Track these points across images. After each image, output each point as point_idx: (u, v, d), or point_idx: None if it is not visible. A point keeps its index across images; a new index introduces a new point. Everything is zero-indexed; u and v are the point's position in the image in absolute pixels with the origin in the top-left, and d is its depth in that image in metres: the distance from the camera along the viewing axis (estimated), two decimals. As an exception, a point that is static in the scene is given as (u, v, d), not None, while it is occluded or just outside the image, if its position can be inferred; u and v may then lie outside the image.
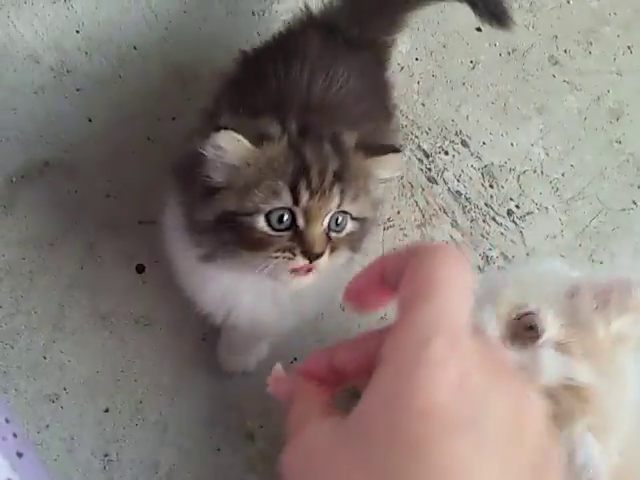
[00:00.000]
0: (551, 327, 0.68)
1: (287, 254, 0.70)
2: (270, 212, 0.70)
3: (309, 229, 0.70)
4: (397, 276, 0.33)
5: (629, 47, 1.42)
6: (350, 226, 0.75)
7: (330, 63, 0.94)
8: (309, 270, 0.71)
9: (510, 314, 0.71)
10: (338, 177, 0.72)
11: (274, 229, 0.70)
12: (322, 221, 0.71)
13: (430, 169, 1.24)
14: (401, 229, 1.20)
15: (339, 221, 0.73)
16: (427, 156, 1.26)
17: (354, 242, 0.77)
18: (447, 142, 1.27)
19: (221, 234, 0.72)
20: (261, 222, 0.70)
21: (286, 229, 0.71)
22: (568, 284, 0.74)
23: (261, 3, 1.26)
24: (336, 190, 0.71)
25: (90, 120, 1.14)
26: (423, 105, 1.29)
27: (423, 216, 1.21)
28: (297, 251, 0.70)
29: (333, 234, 0.73)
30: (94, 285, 1.08)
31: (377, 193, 0.80)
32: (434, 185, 1.24)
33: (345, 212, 0.73)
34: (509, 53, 1.35)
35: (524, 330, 0.70)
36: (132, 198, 1.11)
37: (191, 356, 1.08)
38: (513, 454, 0.29)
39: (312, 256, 0.70)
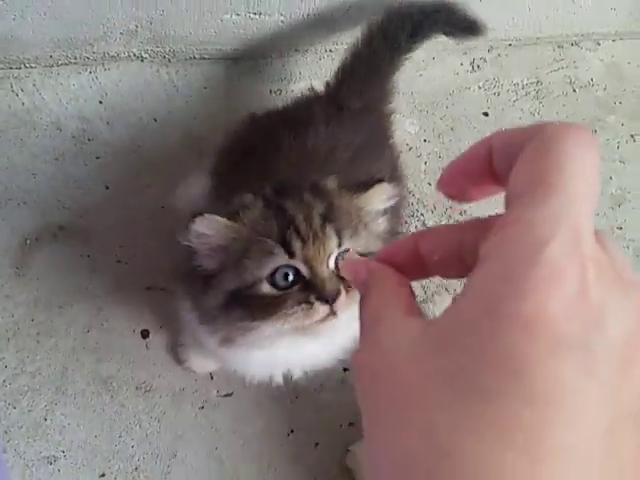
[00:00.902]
0: None
1: (304, 306, 0.68)
2: (272, 275, 0.69)
3: (315, 274, 0.69)
4: (509, 160, 0.28)
5: (632, 136, 1.45)
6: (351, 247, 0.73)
7: (334, 130, 0.98)
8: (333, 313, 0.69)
9: None
10: (327, 218, 0.71)
11: (281, 289, 0.70)
12: (326, 263, 0.69)
13: (434, 247, 1.27)
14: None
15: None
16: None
17: None
18: (452, 221, 1.29)
19: (232, 314, 0.72)
20: (266, 287, 0.70)
21: (293, 284, 0.70)
22: None
23: (278, 83, 1.31)
24: (330, 231, 0.70)
25: (107, 187, 1.17)
26: (429, 184, 1.32)
27: (425, 293, 1.23)
28: (312, 298, 0.68)
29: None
30: (99, 349, 1.09)
31: (379, 226, 0.79)
32: (437, 263, 1.26)
33: (348, 250, 0.71)
34: (515, 138, 1.38)
35: None
36: (142, 264, 1.13)
37: (189, 425, 1.08)
38: (620, 387, 0.24)
39: (329, 298, 0.68)
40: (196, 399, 1.09)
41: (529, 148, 0.27)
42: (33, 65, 1.22)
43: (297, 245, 0.69)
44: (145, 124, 1.22)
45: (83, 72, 1.24)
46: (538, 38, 1.48)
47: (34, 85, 1.22)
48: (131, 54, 1.25)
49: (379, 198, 0.77)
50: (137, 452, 1.06)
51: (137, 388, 1.08)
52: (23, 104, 1.20)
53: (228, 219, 0.71)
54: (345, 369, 1.14)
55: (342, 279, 0.69)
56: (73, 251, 1.13)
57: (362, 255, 0.69)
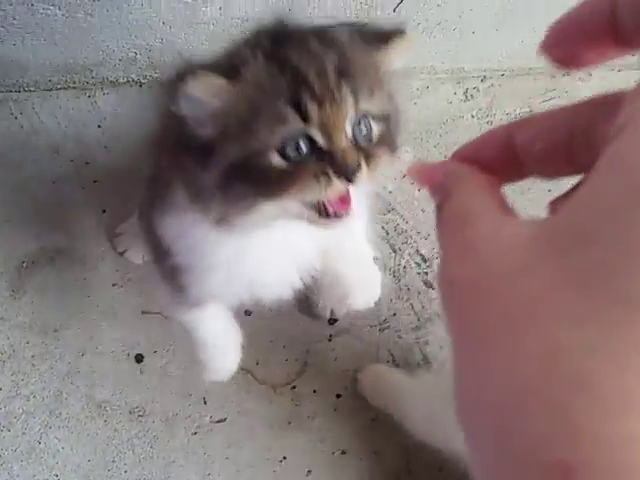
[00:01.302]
0: None
1: (320, 178, 0.58)
2: (283, 144, 0.58)
3: (333, 143, 0.58)
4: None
5: None
6: (376, 129, 0.62)
7: None
8: (346, 204, 0.61)
9: None
10: (342, 73, 0.59)
11: (293, 161, 0.58)
12: (344, 130, 0.59)
13: (427, 273, 1.27)
14: (396, 331, 1.22)
15: (363, 127, 0.60)
16: (425, 261, 1.29)
17: (390, 143, 0.65)
18: (444, 248, 1.30)
19: (233, 188, 0.61)
20: (275, 158, 0.58)
21: (307, 157, 0.59)
22: None
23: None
24: (345, 89, 0.58)
25: (104, 211, 1.17)
26: (423, 211, 1.33)
27: (418, 319, 1.24)
28: (330, 171, 0.58)
29: (363, 144, 0.60)
30: (93, 373, 1.09)
31: (391, 85, 0.67)
32: (430, 290, 1.26)
33: (365, 114, 0.61)
34: (507, 166, 1.40)
35: None
36: (137, 288, 1.14)
37: (181, 451, 1.08)
38: None
39: (349, 173, 0.58)
40: (189, 424, 1.10)
41: None
42: (32, 89, 1.23)
43: (312, 108, 0.57)
44: (143, 148, 1.23)
45: (82, 96, 1.25)
46: (531, 68, 1.50)
47: (33, 108, 1.22)
48: (130, 80, 1.26)
49: (400, 54, 0.65)
50: (130, 477, 1.05)
51: (130, 412, 1.08)
52: (22, 127, 1.21)
53: (228, 78, 0.58)
54: (338, 395, 1.15)
55: (361, 149, 0.59)
56: (69, 274, 1.14)
57: (379, 119, 0.62)
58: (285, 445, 1.11)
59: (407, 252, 1.29)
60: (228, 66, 0.59)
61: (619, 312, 0.18)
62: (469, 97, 1.47)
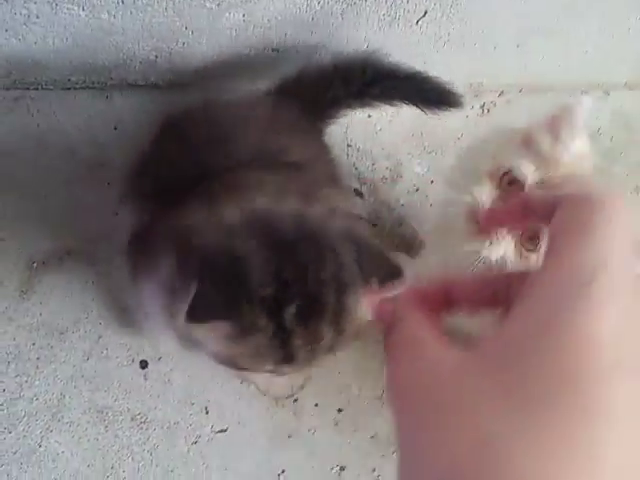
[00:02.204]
0: (529, 175, 0.71)
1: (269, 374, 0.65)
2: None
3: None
4: (546, 209, 0.31)
5: (637, 187, 1.42)
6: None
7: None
8: None
9: (494, 178, 0.75)
10: (330, 350, 0.61)
11: None
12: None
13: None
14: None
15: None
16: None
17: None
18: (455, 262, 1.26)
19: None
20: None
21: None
22: (519, 135, 0.79)
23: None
24: (318, 361, 0.62)
25: (117, 214, 1.13)
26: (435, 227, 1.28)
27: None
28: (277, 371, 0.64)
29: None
30: (97, 378, 1.06)
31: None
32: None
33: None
34: (521, 184, 1.35)
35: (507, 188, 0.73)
36: (145, 294, 1.10)
37: (180, 460, 1.05)
38: None
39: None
40: (190, 434, 1.06)
41: (566, 202, 0.29)
42: (51, 87, 1.18)
43: (285, 369, 0.62)
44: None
45: (99, 97, 1.20)
46: (549, 85, 1.45)
47: (51, 107, 1.18)
48: (148, 82, 1.21)
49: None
50: (128, 484, 1.03)
51: (132, 419, 1.05)
52: (38, 125, 1.17)
53: (234, 330, 0.57)
54: (339, 410, 1.11)
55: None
56: (78, 277, 1.10)
57: None
58: (284, 458, 1.08)
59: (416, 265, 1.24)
60: (242, 324, 0.57)
61: (536, 409, 0.24)
62: (486, 111, 1.41)
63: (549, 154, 0.72)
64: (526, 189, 0.71)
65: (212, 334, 0.59)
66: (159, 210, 0.77)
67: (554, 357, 0.25)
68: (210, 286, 0.56)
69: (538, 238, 0.68)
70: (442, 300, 0.35)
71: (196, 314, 0.55)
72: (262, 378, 0.79)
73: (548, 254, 0.29)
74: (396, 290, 0.53)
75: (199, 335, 0.61)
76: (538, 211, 0.33)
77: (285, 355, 0.59)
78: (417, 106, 1.08)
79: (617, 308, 0.25)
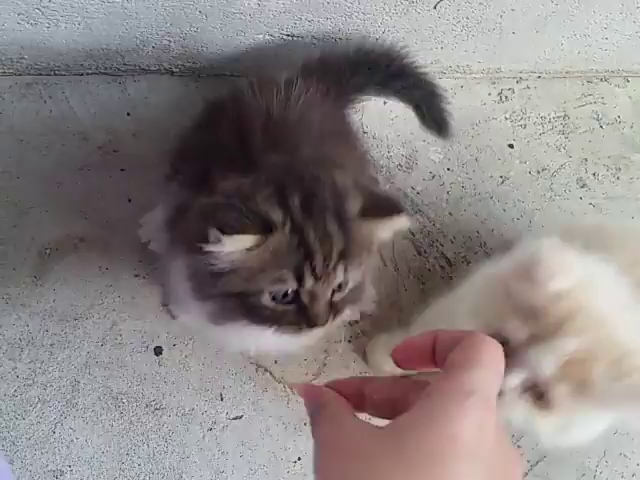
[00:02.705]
0: (518, 333, 0.68)
1: (294, 327, 0.70)
2: (276, 292, 0.68)
3: (313, 307, 0.69)
4: (447, 351, 0.39)
5: (657, 174, 1.40)
6: (351, 284, 0.72)
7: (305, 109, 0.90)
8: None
9: None
10: (343, 256, 0.68)
11: (278, 302, 0.69)
12: (326, 298, 0.69)
13: (451, 277, 1.21)
14: (417, 336, 1.16)
15: (341, 290, 0.71)
16: (450, 264, 1.23)
17: (356, 295, 0.75)
18: (471, 253, 1.24)
19: (226, 304, 0.71)
20: (266, 299, 0.69)
21: (290, 302, 0.69)
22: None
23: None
24: (340, 269, 0.68)
25: (129, 200, 1.13)
26: (450, 214, 1.26)
27: (440, 324, 1.18)
28: (303, 326, 0.70)
29: (336, 295, 0.71)
30: (111, 364, 1.05)
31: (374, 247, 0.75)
32: (453, 294, 1.21)
33: (347, 280, 0.71)
34: (538, 172, 1.33)
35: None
36: (159, 280, 1.09)
37: (196, 447, 1.04)
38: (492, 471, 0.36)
39: (318, 327, 0.70)
40: (205, 420, 1.05)
41: (464, 343, 0.39)
42: (63, 73, 1.18)
43: (309, 281, 0.67)
44: (171, 138, 1.18)
45: (113, 83, 1.19)
46: (568, 72, 1.42)
47: (63, 93, 1.17)
48: (162, 68, 1.20)
49: (393, 229, 0.73)
50: (143, 471, 1.01)
51: (147, 406, 1.04)
52: (51, 111, 1.16)
53: (255, 234, 0.65)
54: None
55: (332, 306, 0.71)
56: (92, 263, 1.09)
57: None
58: (300, 446, 1.07)
59: (432, 255, 1.23)
60: (260, 224, 0.65)
61: (411, 469, 0.34)
62: (503, 98, 1.39)
63: (531, 302, 0.68)
64: (518, 348, 0.68)
65: (237, 246, 0.65)
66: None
67: (429, 439, 0.35)
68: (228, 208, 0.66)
69: (543, 396, 0.68)
70: (356, 396, 0.42)
71: (227, 224, 0.64)
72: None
73: (445, 372, 0.38)
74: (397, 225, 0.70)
75: (225, 252, 0.65)
76: (442, 353, 0.40)
77: (303, 255, 0.66)
78: (416, 114, 1.14)
79: (477, 418, 0.35)
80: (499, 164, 1.32)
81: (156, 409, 1.04)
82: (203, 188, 0.73)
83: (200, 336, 1.07)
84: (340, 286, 0.70)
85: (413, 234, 1.23)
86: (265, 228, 0.66)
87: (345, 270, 0.69)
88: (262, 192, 0.68)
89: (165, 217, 0.86)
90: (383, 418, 0.42)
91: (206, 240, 0.64)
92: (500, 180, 1.31)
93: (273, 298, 0.69)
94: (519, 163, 1.33)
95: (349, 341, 1.14)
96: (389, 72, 1.09)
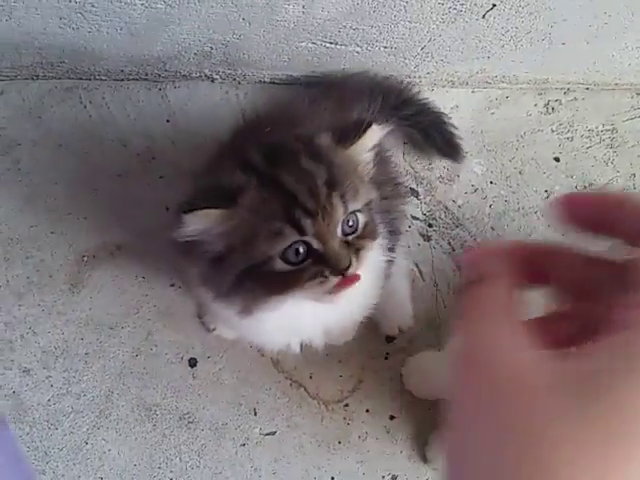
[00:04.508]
0: None
1: (319, 279, 0.66)
2: (284, 251, 0.65)
3: (327, 248, 0.66)
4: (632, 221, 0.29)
5: None
6: (362, 219, 0.70)
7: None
8: (349, 281, 0.67)
9: None
10: (331, 185, 0.65)
11: (294, 263, 0.66)
12: (336, 234, 0.66)
13: (492, 294, 1.18)
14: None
15: (351, 223, 0.68)
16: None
17: (372, 230, 0.72)
18: (512, 269, 1.21)
19: (247, 288, 0.69)
20: (279, 264, 0.66)
21: (306, 258, 0.66)
22: None
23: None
24: (336, 199, 0.65)
25: (167, 208, 1.11)
26: (493, 229, 1.23)
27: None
28: (327, 273, 0.66)
29: (351, 237, 0.68)
30: (145, 375, 1.04)
31: (370, 173, 0.75)
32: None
33: (353, 212, 0.68)
34: (585, 187, 1.29)
35: None
36: (195, 291, 1.08)
37: (228, 462, 1.02)
38: None
39: (342, 270, 0.66)
40: (238, 435, 1.03)
41: None
42: (104, 78, 1.17)
43: (307, 222, 0.64)
44: (211, 146, 1.16)
45: (153, 89, 1.18)
46: (617, 84, 1.38)
47: (103, 98, 1.16)
48: (202, 74, 1.18)
49: (371, 141, 0.72)
50: (175, 485, 1.00)
51: (180, 419, 1.03)
52: (90, 116, 1.15)
53: (224, 208, 0.64)
54: (392, 417, 1.08)
55: (350, 244, 0.68)
56: (128, 272, 1.08)
57: (363, 210, 0.70)
58: (334, 465, 1.04)
59: (473, 271, 1.19)
60: (223, 196, 0.65)
61: (611, 442, 0.23)
62: (550, 110, 1.35)
63: None
64: None
65: (206, 221, 0.64)
66: None
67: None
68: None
69: None
70: (530, 268, 0.31)
71: (185, 205, 0.64)
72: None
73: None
74: None
75: (196, 229, 0.65)
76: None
77: (287, 200, 0.64)
78: (426, 141, 1.19)
79: None
80: (544, 178, 1.28)
81: (189, 422, 1.03)
82: None
83: (237, 347, 1.06)
84: (349, 223, 0.68)
85: (453, 249, 1.20)
86: (226, 194, 0.65)
87: (342, 200, 0.66)
88: (224, 166, 0.69)
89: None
90: (559, 304, 0.32)
91: (180, 227, 0.65)
92: (545, 195, 1.27)
93: (286, 261, 0.66)
94: (565, 177, 1.29)
95: (386, 358, 1.11)
96: (399, 99, 1.14)
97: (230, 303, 0.72)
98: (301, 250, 0.65)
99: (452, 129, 1.18)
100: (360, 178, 0.71)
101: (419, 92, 1.18)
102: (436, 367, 1.05)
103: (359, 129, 0.70)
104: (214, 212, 0.64)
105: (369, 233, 0.71)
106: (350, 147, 0.70)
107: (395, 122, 1.14)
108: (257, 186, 0.65)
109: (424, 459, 1.06)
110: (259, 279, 0.67)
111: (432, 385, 1.04)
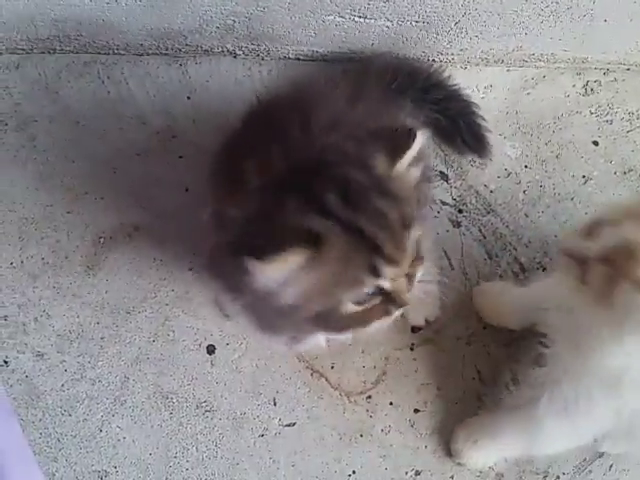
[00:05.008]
0: None
1: (384, 317, 0.66)
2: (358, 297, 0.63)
3: (397, 288, 0.64)
4: None
5: None
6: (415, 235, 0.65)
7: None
8: None
9: None
10: (404, 224, 0.62)
11: (363, 303, 0.64)
12: (404, 272, 0.64)
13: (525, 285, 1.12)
14: (485, 346, 1.08)
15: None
16: (523, 270, 1.13)
17: (421, 253, 0.68)
18: (547, 259, 1.15)
19: (303, 328, 0.68)
20: (349, 307, 0.63)
21: (374, 298, 0.64)
22: None
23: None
24: (406, 237, 0.62)
25: (187, 190, 1.07)
26: (526, 216, 1.17)
27: (512, 334, 1.09)
28: (392, 310, 0.65)
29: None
30: (162, 361, 1.00)
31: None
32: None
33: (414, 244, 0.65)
34: (625, 172, 1.22)
35: None
36: (214, 275, 1.03)
37: (246, 453, 0.98)
38: None
39: (406, 304, 0.65)
40: (257, 426, 1.00)
41: None
42: (122, 52, 1.12)
43: (384, 269, 0.61)
44: (232, 125, 1.11)
45: (173, 64, 1.13)
46: (661, 65, 1.30)
47: (122, 73, 1.12)
48: (225, 49, 1.13)
49: (415, 153, 0.66)
50: (191, 475, 0.97)
51: (197, 407, 0.99)
52: (109, 92, 1.11)
53: (311, 250, 0.58)
54: (416, 410, 1.03)
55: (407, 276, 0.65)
56: (146, 254, 1.04)
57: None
58: (355, 458, 1.00)
59: (505, 260, 1.13)
60: (308, 235, 0.58)
61: None
62: (589, 91, 1.28)
63: None
64: None
65: (288, 267, 0.58)
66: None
67: None
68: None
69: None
70: None
71: (260, 249, 0.57)
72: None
73: None
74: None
75: (274, 278, 0.59)
76: None
77: (370, 247, 0.60)
78: (452, 129, 1.12)
79: None
80: (582, 162, 1.22)
81: (207, 411, 0.99)
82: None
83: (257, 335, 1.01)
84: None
85: (484, 236, 1.14)
86: (308, 240, 0.58)
87: (412, 235, 0.63)
88: (287, 204, 0.61)
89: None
90: None
91: (246, 272, 0.58)
92: (582, 180, 1.20)
93: (357, 303, 0.63)
94: (604, 162, 1.22)
95: (411, 349, 1.06)
96: (428, 82, 1.07)
97: (278, 337, 0.72)
98: (372, 292, 0.63)
99: (481, 121, 1.11)
100: (415, 197, 0.68)
101: (450, 76, 1.11)
102: (511, 299, 1.04)
103: (407, 141, 0.65)
104: (297, 259, 0.58)
105: (419, 257, 0.67)
106: (399, 162, 0.65)
107: (422, 105, 1.07)
108: (340, 233, 0.59)
109: (449, 454, 1.02)
110: (322, 322, 0.65)
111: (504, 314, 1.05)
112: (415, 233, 0.64)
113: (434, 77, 1.09)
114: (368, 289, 0.62)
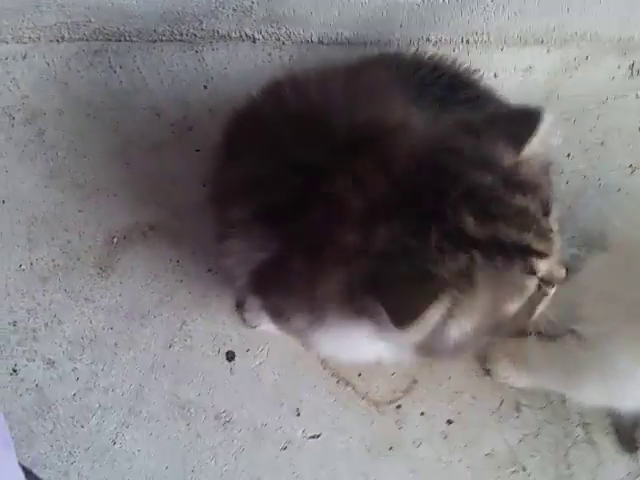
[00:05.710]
0: None
1: (543, 299, 0.61)
2: None
3: (550, 270, 0.59)
4: None
5: None
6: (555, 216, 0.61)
7: None
8: None
9: None
10: (544, 210, 0.58)
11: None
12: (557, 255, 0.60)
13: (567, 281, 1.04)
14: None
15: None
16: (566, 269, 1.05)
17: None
18: (591, 254, 1.06)
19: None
20: (513, 309, 0.58)
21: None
22: None
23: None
24: (549, 221, 0.58)
25: (204, 185, 1.00)
26: (569, 208, 1.08)
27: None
28: (549, 290, 0.61)
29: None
30: (179, 369, 0.95)
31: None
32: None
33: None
34: (674, 162, 1.13)
35: None
36: (234, 277, 0.97)
37: (269, 467, 0.93)
38: None
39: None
40: (279, 438, 0.94)
41: None
42: (135, 39, 1.05)
43: (539, 265, 0.57)
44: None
45: (188, 51, 1.06)
46: None
47: (134, 62, 1.05)
48: (243, 34, 1.05)
49: (541, 139, 0.61)
50: (209, 491, 0.91)
51: (216, 418, 0.94)
52: (121, 82, 1.04)
53: (459, 290, 0.53)
54: (449, 421, 0.96)
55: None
56: (162, 255, 0.98)
57: None
58: (384, 473, 0.95)
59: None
60: (454, 279, 0.53)
61: None
62: (635, 73, 1.18)
63: None
64: None
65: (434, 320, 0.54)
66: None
67: None
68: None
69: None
70: None
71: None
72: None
73: None
74: None
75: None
76: None
77: (523, 253, 0.55)
78: None
79: None
80: (629, 151, 1.13)
81: (226, 422, 0.93)
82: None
83: (279, 340, 0.95)
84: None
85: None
86: (453, 285, 0.53)
87: (553, 221, 0.59)
88: (424, 239, 0.54)
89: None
90: None
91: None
92: (630, 170, 1.12)
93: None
94: (652, 151, 1.13)
95: (444, 354, 0.99)
96: (456, 80, 0.93)
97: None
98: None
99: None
100: (545, 179, 0.63)
101: (482, 77, 0.96)
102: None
103: (532, 123, 0.60)
104: (443, 305, 0.53)
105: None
106: (524, 149, 0.59)
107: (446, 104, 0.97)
108: (484, 261, 0.54)
109: (485, 468, 0.95)
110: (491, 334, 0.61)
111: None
112: (555, 214, 0.60)
113: (462, 76, 0.94)
114: (529, 291, 0.58)
